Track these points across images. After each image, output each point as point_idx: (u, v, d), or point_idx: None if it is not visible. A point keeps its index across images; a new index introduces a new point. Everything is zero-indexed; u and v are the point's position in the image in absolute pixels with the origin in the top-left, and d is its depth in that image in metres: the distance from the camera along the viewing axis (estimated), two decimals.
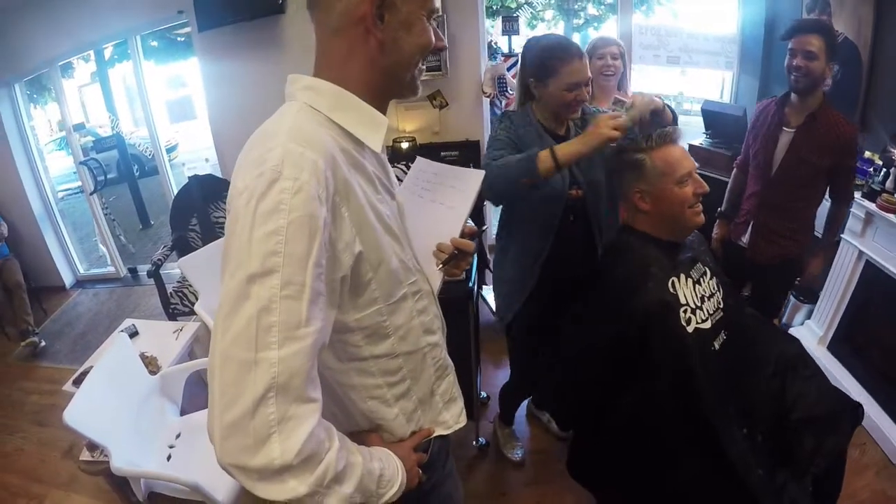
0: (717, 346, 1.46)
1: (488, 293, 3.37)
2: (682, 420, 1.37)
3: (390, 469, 0.90)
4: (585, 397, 1.52)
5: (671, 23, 3.40)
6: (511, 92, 3.01)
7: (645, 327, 1.37)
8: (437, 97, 3.19)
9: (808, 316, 2.94)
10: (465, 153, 3.10)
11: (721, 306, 1.53)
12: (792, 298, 3.01)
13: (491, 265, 2.00)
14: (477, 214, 3.06)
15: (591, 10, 8.04)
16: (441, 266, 1.13)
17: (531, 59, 1.70)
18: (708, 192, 1.50)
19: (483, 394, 2.69)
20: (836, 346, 2.71)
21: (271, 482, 0.68)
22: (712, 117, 3.25)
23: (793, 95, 2.06)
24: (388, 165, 0.99)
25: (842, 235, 2.66)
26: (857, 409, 1.53)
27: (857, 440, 2.18)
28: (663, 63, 3.33)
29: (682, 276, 1.47)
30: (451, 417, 1.12)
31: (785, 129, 2.08)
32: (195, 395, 2.39)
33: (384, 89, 0.89)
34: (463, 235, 1.18)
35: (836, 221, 2.21)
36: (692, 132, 3.32)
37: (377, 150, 0.90)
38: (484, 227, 1.21)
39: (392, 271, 0.89)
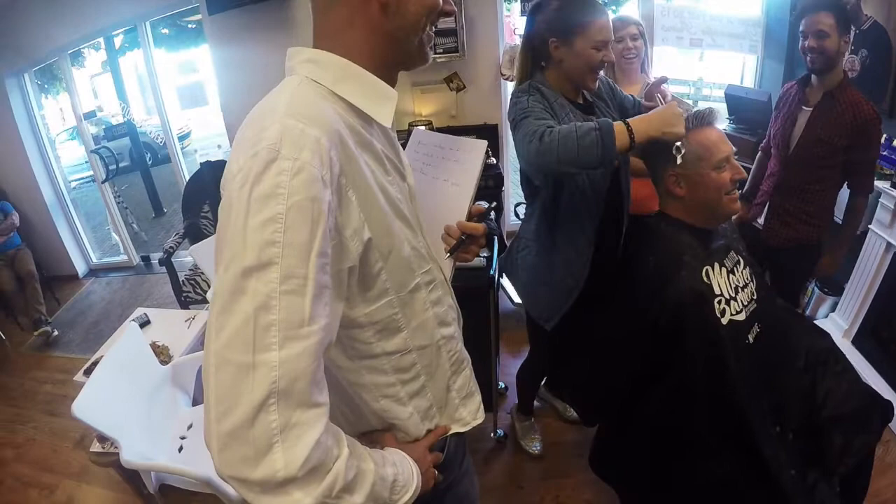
0: (750, 339, 1.40)
1: (507, 281, 3.31)
2: (715, 416, 1.32)
3: (405, 473, 0.84)
4: (614, 389, 1.47)
5: (694, 4, 3.27)
6: None
7: (677, 318, 1.31)
8: (453, 80, 3.12)
9: (833, 308, 2.87)
10: (483, 137, 2.99)
11: (754, 297, 1.47)
12: (816, 290, 2.94)
13: (517, 260, 1.82)
14: (494, 195, 3.00)
15: None
16: (449, 254, 1.06)
17: (550, 17, 1.53)
18: (745, 178, 1.44)
19: (501, 384, 2.64)
20: (861, 341, 2.65)
21: (275, 495, 0.62)
22: (736, 102, 3.16)
23: (812, 76, 2.03)
24: (399, 145, 0.93)
25: (870, 226, 2.60)
26: (888, 406, 1.48)
27: (881, 438, 2.14)
28: (686, 46, 3.24)
29: (717, 265, 1.41)
30: (469, 414, 1.05)
31: (804, 108, 2.06)
32: None
33: (391, 58, 0.82)
34: (470, 217, 1.10)
35: (855, 214, 2.13)
36: None
37: (387, 125, 0.84)
38: (493, 204, 1.08)
39: (404, 259, 0.83)
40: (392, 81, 0.83)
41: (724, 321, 1.34)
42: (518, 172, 1.80)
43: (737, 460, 1.32)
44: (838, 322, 2.76)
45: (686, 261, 1.37)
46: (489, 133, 3.09)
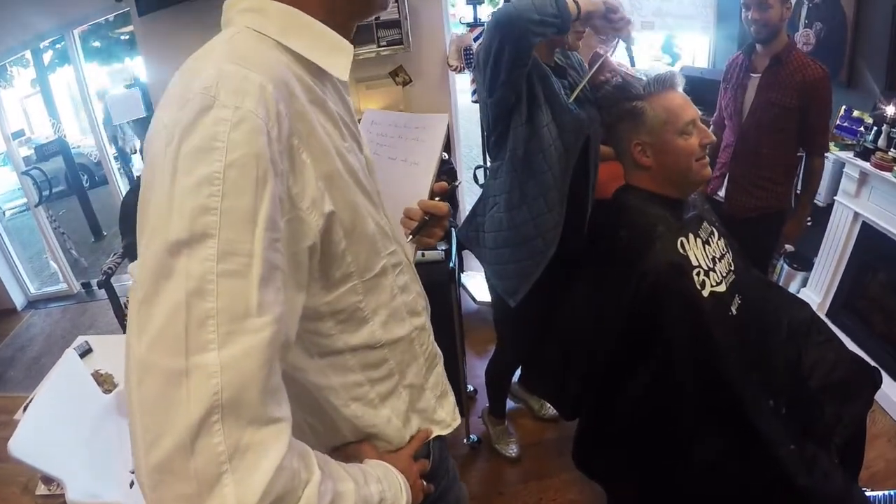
0: (734, 310, 1.31)
1: (468, 279, 3.17)
2: (705, 394, 1.22)
3: (392, 489, 0.71)
4: (590, 376, 1.35)
5: None
6: None
7: (656, 293, 1.22)
8: (399, 73, 2.99)
9: (804, 284, 2.84)
10: None
11: (732, 268, 1.39)
12: (785, 266, 2.91)
13: (482, 224, 1.68)
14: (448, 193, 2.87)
15: None
16: (411, 237, 0.94)
17: None
18: (714, 141, 1.38)
19: (470, 387, 2.50)
20: (836, 314, 2.62)
21: None
22: (692, 83, 3.11)
23: (757, 45, 2.06)
24: (354, 112, 0.79)
25: (835, 198, 2.59)
26: (875, 373, 1.43)
27: None
28: (637, 28, 3.18)
29: (691, 236, 1.32)
30: (447, 414, 0.92)
31: (752, 75, 2.08)
32: None
33: (345, 6, 0.70)
34: (432, 195, 1.00)
35: (813, 175, 2.14)
36: None
37: (343, 77, 0.71)
38: (458, 182, 0.98)
39: (369, 238, 0.71)
40: (347, 35, 0.71)
41: (705, 293, 1.25)
42: (470, 170, 1.71)
43: (732, 440, 1.23)
44: (810, 297, 2.72)
45: (660, 232, 1.28)
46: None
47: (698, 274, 1.26)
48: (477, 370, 2.63)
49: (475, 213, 1.71)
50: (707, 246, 1.35)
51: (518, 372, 2.33)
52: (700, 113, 1.38)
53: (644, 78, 1.38)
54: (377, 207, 0.76)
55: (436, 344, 0.92)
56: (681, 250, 1.27)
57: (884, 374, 2.19)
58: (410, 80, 3.01)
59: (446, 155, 2.90)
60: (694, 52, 3.63)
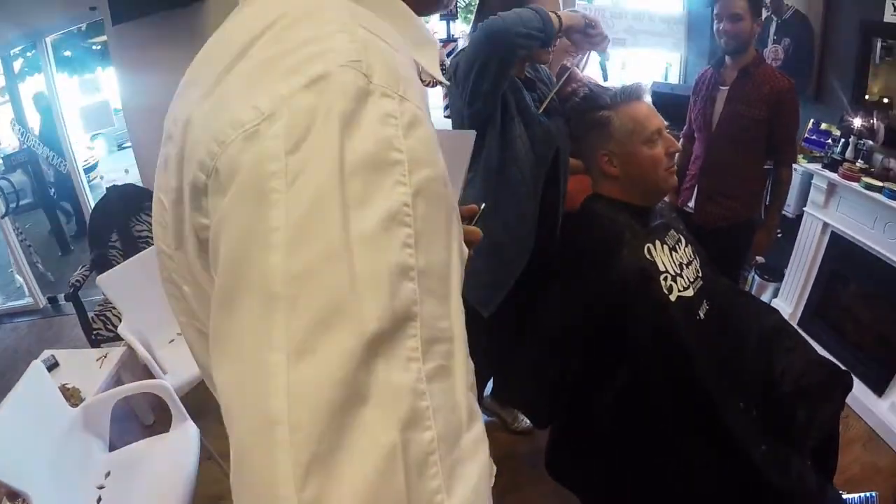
0: (702, 314, 1.32)
1: None
2: (676, 398, 1.22)
3: None
4: (565, 384, 1.34)
5: (615, 4, 3.29)
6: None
7: (623, 298, 1.22)
8: None
9: (775, 294, 2.87)
10: None
11: (700, 275, 1.40)
12: (757, 278, 2.94)
13: None
14: None
15: None
16: None
17: None
18: (680, 150, 1.40)
19: None
20: (808, 323, 2.64)
21: None
22: (662, 99, 3.16)
23: (726, 57, 2.10)
24: None
25: (804, 209, 2.62)
26: (846, 376, 1.44)
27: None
28: (608, 46, 3.23)
29: (658, 243, 1.33)
30: None
31: (721, 87, 2.11)
32: (124, 427, 2.14)
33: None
34: (462, 219, 0.86)
35: (781, 185, 2.16)
36: None
37: (438, 76, 0.52)
38: (483, 206, 0.89)
39: None
40: None
41: (673, 298, 1.26)
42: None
43: (706, 443, 1.23)
44: (782, 307, 2.75)
45: (627, 239, 1.29)
46: None
47: (665, 279, 1.27)
48: None
49: None
50: (674, 252, 1.35)
51: (490, 385, 2.31)
52: (666, 123, 1.39)
53: (611, 90, 1.41)
54: None
55: None
56: (648, 256, 1.28)
57: (856, 380, 2.24)
58: None
59: None
60: (656, 68, 3.67)
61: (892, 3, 2.21)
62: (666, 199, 2.34)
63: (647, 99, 1.41)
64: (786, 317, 2.60)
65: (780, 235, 2.80)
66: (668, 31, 3.29)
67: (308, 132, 0.31)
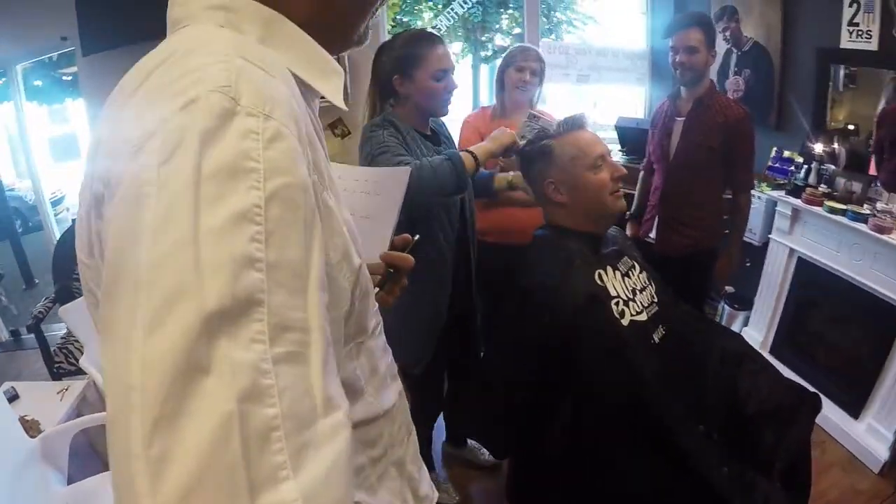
0: (656, 339, 1.32)
1: None
2: (631, 422, 1.20)
3: None
4: (518, 413, 1.31)
5: (579, 40, 3.37)
6: None
7: (572, 324, 1.21)
8: (338, 126, 3.00)
9: (746, 323, 2.87)
10: None
11: (655, 300, 1.40)
12: (726, 307, 2.94)
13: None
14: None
15: (499, 41, 8.15)
16: (377, 290, 0.85)
17: (391, 57, 1.59)
18: (626, 174, 1.42)
19: None
20: (779, 350, 2.64)
21: None
22: (626, 133, 3.23)
23: (682, 88, 2.13)
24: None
25: (770, 235, 2.64)
26: (814, 397, 1.42)
27: (816, 438, 2.11)
28: (573, 81, 3.29)
29: (609, 269, 1.34)
30: (428, 487, 0.80)
31: (677, 118, 2.14)
32: (84, 460, 2.04)
33: (331, 33, 0.56)
34: (393, 248, 0.92)
35: (740, 212, 2.17)
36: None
37: (340, 105, 0.57)
38: (417, 237, 0.92)
39: (367, 293, 0.61)
40: None
41: (625, 322, 1.26)
42: None
43: (662, 466, 1.20)
44: (752, 335, 2.74)
45: (577, 265, 1.30)
46: None
47: (617, 304, 1.27)
48: None
49: None
50: (627, 278, 1.36)
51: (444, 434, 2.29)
52: (610, 149, 1.43)
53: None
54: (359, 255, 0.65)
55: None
56: (598, 281, 1.28)
57: (832, 403, 2.23)
58: (349, 133, 3.01)
59: None
60: (628, 105, 3.75)
61: (847, 30, 2.28)
62: (628, 231, 2.36)
63: (589, 128, 1.44)
64: (757, 344, 2.66)
65: (748, 264, 2.82)
66: (632, 67, 3.36)
67: (177, 147, 0.36)
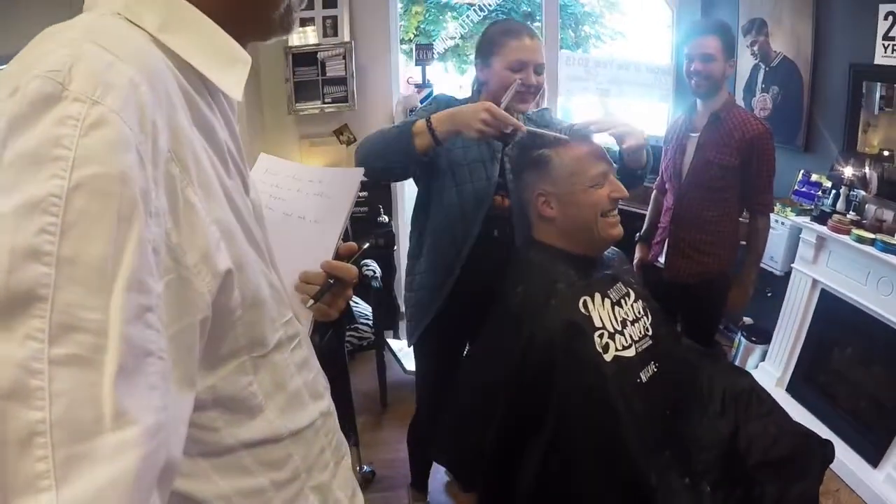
0: (643, 378, 1.20)
1: (399, 346, 2.84)
2: (605, 470, 1.09)
3: None
4: (479, 449, 1.20)
5: (600, 54, 3.26)
6: None
7: (549, 354, 1.11)
8: (343, 132, 2.92)
9: (763, 358, 2.70)
10: (377, 194, 2.81)
11: (649, 333, 1.28)
12: (743, 340, 2.77)
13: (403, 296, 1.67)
14: (384, 256, 2.69)
15: None
16: (312, 302, 0.78)
17: (477, 42, 1.54)
18: (627, 196, 1.30)
19: (367, 468, 2.18)
20: (797, 387, 2.47)
21: None
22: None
23: (698, 101, 2.00)
24: (242, 144, 0.62)
25: (792, 265, 2.49)
26: (826, 446, 1.29)
27: (829, 487, 1.99)
28: (594, 93, 3.17)
29: (597, 296, 1.23)
30: None
31: (691, 134, 2.00)
32: None
33: (243, 15, 0.54)
34: (338, 258, 0.85)
35: (757, 236, 2.00)
36: None
37: (236, 96, 0.55)
38: (366, 245, 0.84)
39: (265, 303, 0.56)
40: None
41: (608, 357, 1.15)
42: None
43: None
44: (770, 371, 2.58)
45: (559, 290, 1.19)
46: (382, 189, 2.85)
47: (601, 336, 1.16)
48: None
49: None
50: (617, 308, 1.25)
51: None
52: (615, 167, 1.32)
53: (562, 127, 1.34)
54: (268, 265, 0.61)
55: (341, 431, 0.74)
56: (582, 310, 1.17)
57: (850, 450, 2.06)
58: (355, 140, 2.93)
59: (386, 218, 2.80)
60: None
61: (883, 44, 2.12)
62: (637, 255, 2.23)
63: (595, 141, 1.32)
64: (774, 381, 2.49)
65: (769, 294, 2.66)
66: (656, 82, 3.21)
67: None
